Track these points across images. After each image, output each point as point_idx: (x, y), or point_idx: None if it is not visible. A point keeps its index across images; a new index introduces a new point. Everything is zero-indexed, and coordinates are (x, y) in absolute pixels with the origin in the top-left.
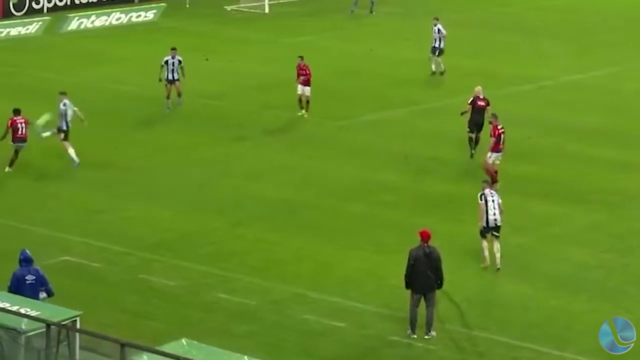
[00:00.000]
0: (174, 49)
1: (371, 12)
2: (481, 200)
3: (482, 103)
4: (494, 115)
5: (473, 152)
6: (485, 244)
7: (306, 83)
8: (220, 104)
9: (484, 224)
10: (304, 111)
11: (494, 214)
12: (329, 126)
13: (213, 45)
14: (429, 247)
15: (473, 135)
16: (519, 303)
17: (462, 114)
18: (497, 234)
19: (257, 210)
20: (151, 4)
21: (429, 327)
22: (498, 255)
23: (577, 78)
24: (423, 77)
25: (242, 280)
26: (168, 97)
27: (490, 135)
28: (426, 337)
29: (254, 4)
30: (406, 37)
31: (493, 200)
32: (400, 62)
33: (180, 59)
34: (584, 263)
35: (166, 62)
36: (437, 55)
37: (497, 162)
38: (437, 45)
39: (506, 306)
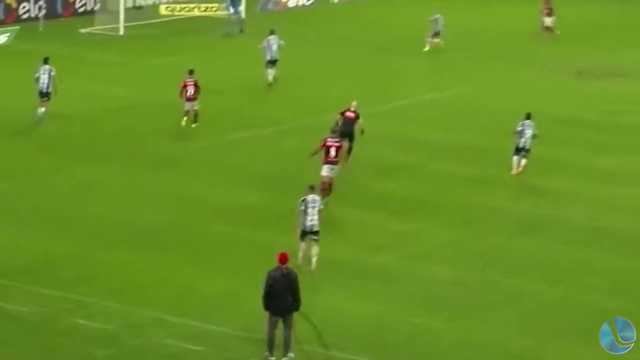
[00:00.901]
0: (47, 58)
1: (241, 31)
2: (301, 205)
3: (350, 114)
4: (331, 129)
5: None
6: (303, 245)
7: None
8: (80, 127)
9: (302, 228)
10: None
11: (312, 220)
12: (192, 147)
13: (68, 68)
14: (286, 268)
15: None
16: (378, 322)
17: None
18: (315, 238)
19: (119, 233)
20: (4, 27)
21: (286, 348)
22: (314, 259)
23: (434, 96)
24: (286, 97)
25: (101, 304)
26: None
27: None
28: (284, 358)
29: (109, 27)
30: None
31: (314, 207)
32: (258, 83)
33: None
34: (444, 280)
35: (47, 73)
36: (273, 66)
37: (330, 174)
38: (270, 57)
39: (365, 325)
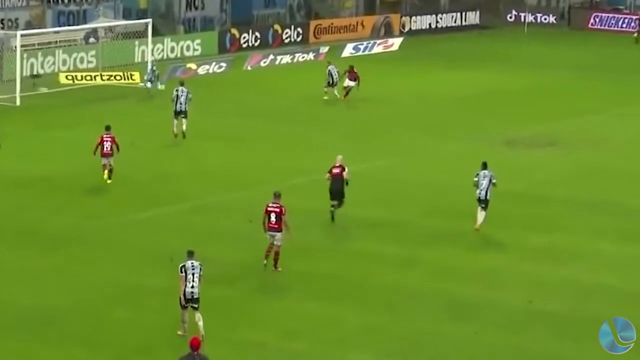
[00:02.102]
0: None
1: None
2: (181, 272)
3: (336, 171)
4: (275, 194)
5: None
6: (185, 315)
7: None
8: None
9: (182, 295)
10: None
11: (192, 287)
12: (91, 226)
13: None
14: (199, 354)
15: (335, 203)
16: None
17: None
18: (195, 306)
19: (13, 319)
20: None
21: None
22: (200, 323)
23: (355, 169)
24: (195, 172)
25: None
26: None
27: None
28: None
29: (5, 97)
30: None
31: (194, 274)
32: (166, 156)
33: None
34: None
35: None
36: (184, 118)
37: (272, 241)
38: (177, 108)
39: None
